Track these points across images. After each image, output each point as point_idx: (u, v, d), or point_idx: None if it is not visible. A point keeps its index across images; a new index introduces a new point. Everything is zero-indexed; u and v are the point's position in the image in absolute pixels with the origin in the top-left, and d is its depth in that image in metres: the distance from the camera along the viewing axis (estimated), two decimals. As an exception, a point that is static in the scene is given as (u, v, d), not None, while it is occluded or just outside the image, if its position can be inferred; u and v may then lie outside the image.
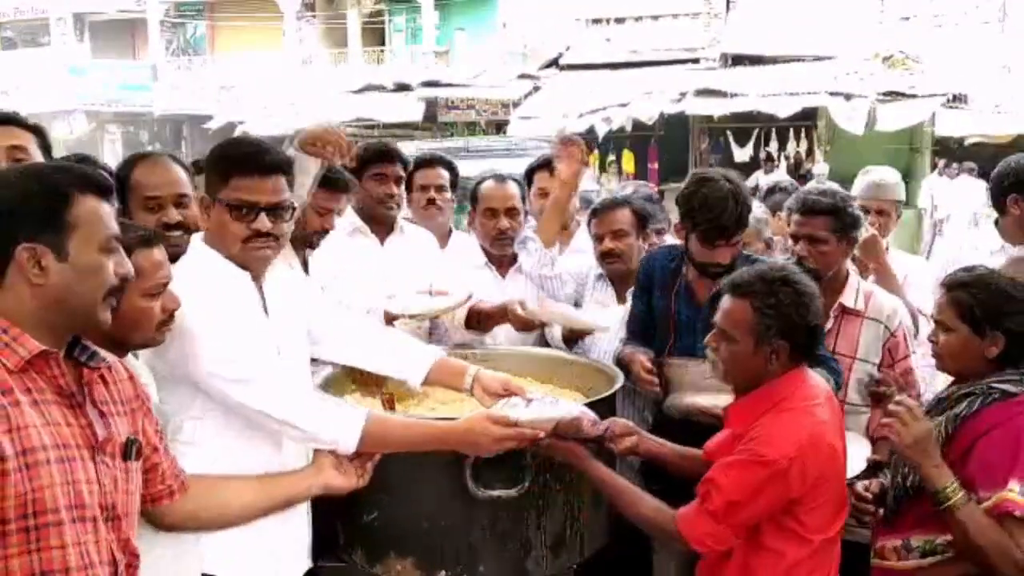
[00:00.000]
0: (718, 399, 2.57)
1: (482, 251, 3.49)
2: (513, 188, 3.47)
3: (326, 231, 3.03)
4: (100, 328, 1.63)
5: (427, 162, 3.77)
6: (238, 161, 2.15)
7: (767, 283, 2.22)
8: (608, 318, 3.08)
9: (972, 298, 2.23)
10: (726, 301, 2.28)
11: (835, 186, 3.68)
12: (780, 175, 11.67)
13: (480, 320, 3.13)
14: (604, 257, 3.35)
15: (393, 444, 2.19)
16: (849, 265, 3.07)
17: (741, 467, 2.16)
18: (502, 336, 3.21)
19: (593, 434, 2.30)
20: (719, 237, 2.79)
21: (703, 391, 2.68)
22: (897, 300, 3.07)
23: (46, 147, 2.43)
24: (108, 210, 1.63)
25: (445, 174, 3.76)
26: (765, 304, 2.19)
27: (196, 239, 2.24)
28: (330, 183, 2.95)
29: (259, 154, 2.16)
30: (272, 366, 2.15)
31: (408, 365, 2.52)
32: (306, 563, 2.34)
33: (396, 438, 2.19)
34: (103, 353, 1.68)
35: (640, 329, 3.04)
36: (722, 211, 2.75)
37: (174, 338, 2.03)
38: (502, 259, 3.47)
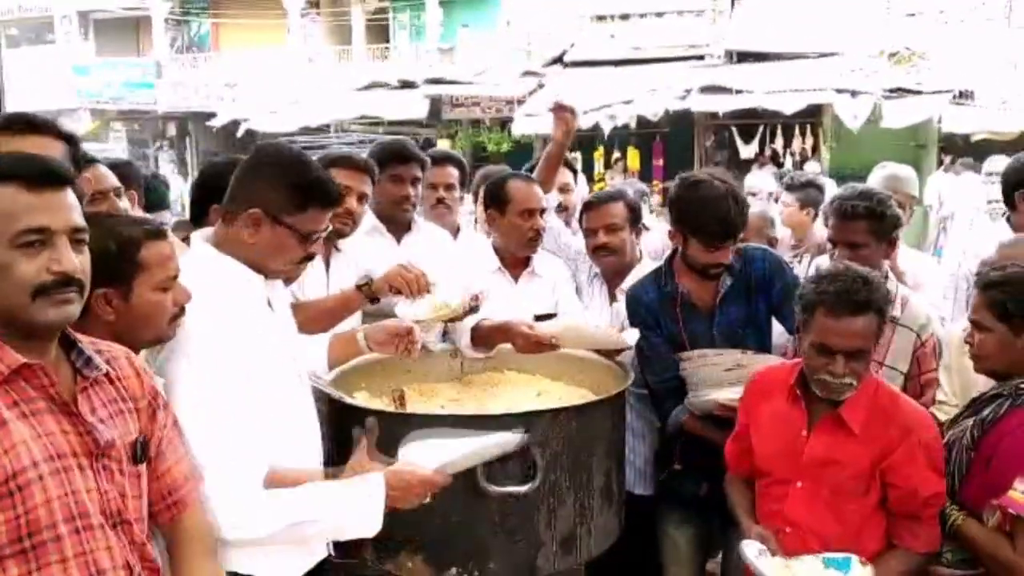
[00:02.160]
0: (739, 393, 2.55)
1: (495, 254, 3.31)
2: (539, 187, 3.30)
3: (350, 213, 2.87)
4: (45, 330, 1.50)
5: (437, 160, 3.71)
6: (318, 193, 2.09)
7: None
8: (634, 335, 2.81)
9: (1006, 295, 2.22)
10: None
11: (873, 186, 3.55)
12: (769, 173, 11.51)
13: (485, 338, 2.97)
14: (597, 251, 3.28)
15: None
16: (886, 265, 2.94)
17: (927, 460, 2.22)
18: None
19: None
20: (725, 238, 2.75)
21: (720, 385, 2.65)
22: (932, 309, 2.98)
23: (75, 156, 2.26)
24: (31, 200, 1.46)
25: (455, 172, 3.73)
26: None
27: (197, 241, 2.15)
28: (349, 163, 2.91)
29: (332, 185, 2.14)
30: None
31: (314, 360, 2.53)
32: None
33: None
34: (110, 348, 1.60)
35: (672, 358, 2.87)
36: (726, 212, 2.71)
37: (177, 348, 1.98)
38: (516, 262, 3.30)
